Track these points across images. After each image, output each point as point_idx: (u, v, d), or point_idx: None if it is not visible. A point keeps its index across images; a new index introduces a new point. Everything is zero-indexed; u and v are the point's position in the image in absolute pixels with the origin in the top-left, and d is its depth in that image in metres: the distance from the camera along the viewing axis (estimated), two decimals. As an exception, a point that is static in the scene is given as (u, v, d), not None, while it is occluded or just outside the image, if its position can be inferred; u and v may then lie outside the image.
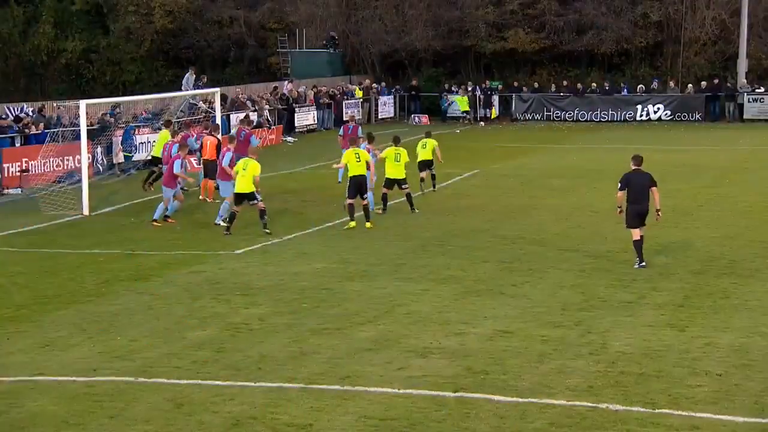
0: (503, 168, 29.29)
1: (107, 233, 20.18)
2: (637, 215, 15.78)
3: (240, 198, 19.40)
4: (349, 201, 19.83)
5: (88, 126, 23.92)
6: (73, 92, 51.81)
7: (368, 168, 19.83)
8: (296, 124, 40.97)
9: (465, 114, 46.05)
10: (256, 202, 19.32)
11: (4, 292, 14.96)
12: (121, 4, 52.96)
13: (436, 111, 47.18)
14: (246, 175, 19.28)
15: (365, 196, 19.90)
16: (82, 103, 23.01)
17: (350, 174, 19.79)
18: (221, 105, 28.91)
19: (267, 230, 19.20)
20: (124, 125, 29.84)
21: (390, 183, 21.29)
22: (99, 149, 28.61)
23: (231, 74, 52.33)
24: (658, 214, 15.83)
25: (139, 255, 17.71)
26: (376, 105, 46.68)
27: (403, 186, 21.37)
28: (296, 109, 41.23)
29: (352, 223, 19.72)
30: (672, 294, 14.20)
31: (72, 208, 22.62)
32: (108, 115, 30.39)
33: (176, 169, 20.73)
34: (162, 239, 19.29)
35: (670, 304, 13.66)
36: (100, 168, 28.69)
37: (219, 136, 23.82)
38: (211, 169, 23.11)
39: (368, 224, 19.74)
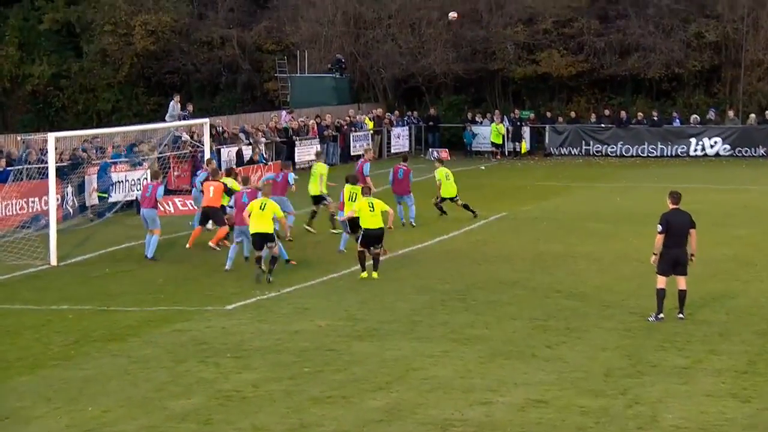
0: (535, 210, 29.47)
1: (78, 286, 20.32)
2: (672, 261, 15.87)
3: (259, 240, 19.86)
4: (359, 248, 20.11)
5: (57, 162, 24.12)
6: (41, 123, 52.39)
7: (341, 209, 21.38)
8: (296, 159, 41.06)
9: (497, 147, 45.95)
10: (273, 245, 19.88)
11: (-42, 355, 15.10)
12: (96, 23, 53.65)
13: (457, 144, 47.44)
14: (265, 214, 19.85)
15: (379, 246, 20.18)
16: (51, 136, 23.20)
17: (364, 226, 20.08)
18: (210, 138, 29.24)
19: (270, 278, 19.77)
20: (98, 161, 30.09)
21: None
22: (69, 189, 28.80)
23: (222, 102, 52.91)
24: (692, 259, 16.01)
25: (115, 311, 17.83)
26: (389, 137, 47.01)
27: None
28: (297, 143, 41.51)
29: (364, 274, 19.98)
30: (733, 358, 14.20)
31: (37, 257, 22.74)
32: (80, 149, 30.62)
33: (159, 194, 22.14)
34: (141, 293, 19.39)
35: (732, 370, 13.66)
36: (71, 211, 28.89)
37: (224, 180, 24.06)
38: (215, 217, 23.56)
39: (375, 274, 19.99)
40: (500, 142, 45.94)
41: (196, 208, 25.74)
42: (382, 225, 20.03)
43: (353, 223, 21.32)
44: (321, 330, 16.11)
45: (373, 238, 20.00)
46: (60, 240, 22.96)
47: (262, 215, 19.86)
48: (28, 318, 17.45)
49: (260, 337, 15.74)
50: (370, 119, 46.52)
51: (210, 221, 24.13)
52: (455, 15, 43.59)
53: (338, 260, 21.88)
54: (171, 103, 38.18)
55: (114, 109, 53.88)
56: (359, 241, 20.17)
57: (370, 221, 20.01)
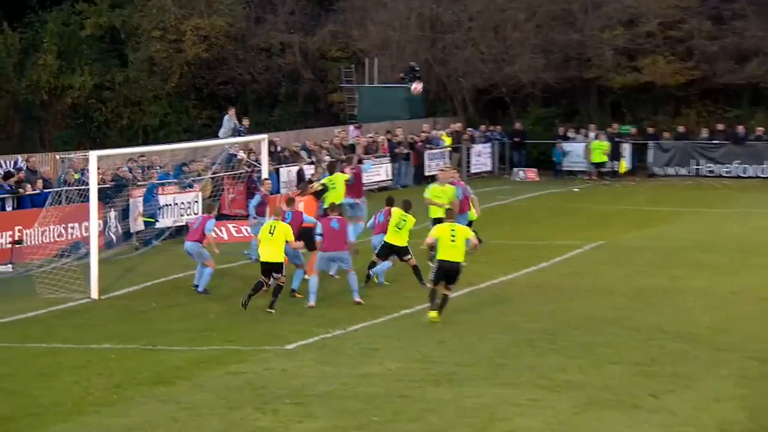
0: (636, 239, 29.26)
1: (121, 322, 20.53)
2: None
3: (267, 269, 20.55)
4: (432, 286, 19.82)
5: (99, 184, 24.42)
6: (81, 140, 53.28)
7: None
8: (364, 180, 41.28)
9: (597, 166, 44.97)
10: (280, 276, 20.60)
11: (-13, 400, 15.15)
12: (143, 29, 54.36)
13: (546, 163, 47.25)
14: (275, 240, 20.46)
15: (452, 284, 19.83)
16: (92, 155, 23.44)
17: (440, 257, 19.57)
18: (269, 156, 29.45)
19: (271, 310, 20.52)
20: (144, 183, 30.49)
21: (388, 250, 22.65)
22: (112, 214, 29.21)
23: (281, 116, 53.40)
24: None
25: (162, 351, 17.98)
26: (469, 156, 47.00)
27: (404, 257, 22.76)
28: (365, 161, 41.73)
29: (433, 314, 19.58)
30: None
31: (76, 289, 22.98)
32: (124, 169, 31.00)
33: (208, 229, 22.73)
34: (191, 330, 19.56)
35: None
36: (114, 238, 29.28)
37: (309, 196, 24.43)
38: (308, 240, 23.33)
39: (434, 315, 19.53)
40: (604, 160, 44.76)
41: (252, 235, 26.04)
42: (462, 259, 19.62)
43: (387, 249, 22.35)
44: (391, 374, 16.13)
45: (450, 273, 19.52)
46: (102, 270, 23.23)
47: (271, 241, 20.46)
48: (66, 358, 17.61)
49: (324, 381, 15.77)
50: (447, 135, 46.60)
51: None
52: (419, 88, 42.55)
53: (412, 294, 21.89)
54: (225, 117, 38.64)
55: (162, 124, 54.48)
56: (434, 275, 19.66)
57: (450, 252, 19.49)
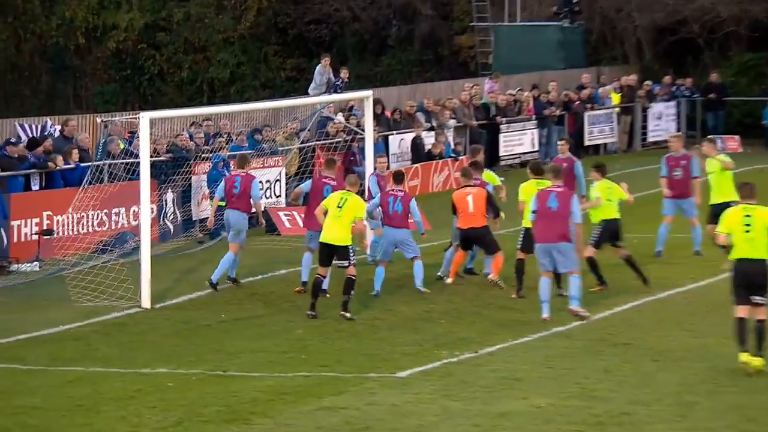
0: None
1: (180, 339, 20.66)
2: None
3: (327, 253, 21.27)
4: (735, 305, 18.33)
5: (152, 156, 24.69)
6: (128, 97, 53.82)
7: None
8: (501, 152, 41.06)
9: None
10: (347, 264, 21.22)
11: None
12: (209, -51, 54.72)
13: (754, 129, 46.53)
14: (343, 215, 21.08)
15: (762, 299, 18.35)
16: (144, 117, 23.47)
17: (735, 257, 18.49)
18: (375, 119, 29.62)
19: (348, 315, 21.37)
20: (210, 155, 30.56)
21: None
22: (170, 195, 29.41)
23: (391, 66, 53.47)
24: None
25: (234, 378, 18.06)
26: (644, 118, 46.42)
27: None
28: (503, 127, 41.46)
29: (747, 357, 17.88)
30: None
31: (122, 295, 23.11)
32: (185, 136, 31.20)
33: (255, 193, 24.22)
34: (272, 350, 19.71)
35: None
36: (171, 227, 29.53)
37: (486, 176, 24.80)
38: (483, 240, 24.02)
39: None
40: None
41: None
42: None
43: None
44: (540, 413, 15.97)
45: (754, 278, 18.15)
46: (155, 271, 23.37)
47: (338, 218, 21.31)
48: (108, 386, 17.71)
49: (448, 420, 15.69)
50: (615, 91, 46.15)
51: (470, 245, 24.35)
52: None
53: (562, 306, 21.80)
54: (317, 68, 38.68)
55: (234, 76, 54.87)
56: (734, 289, 18.37)
57: (746, 247, 18.16)
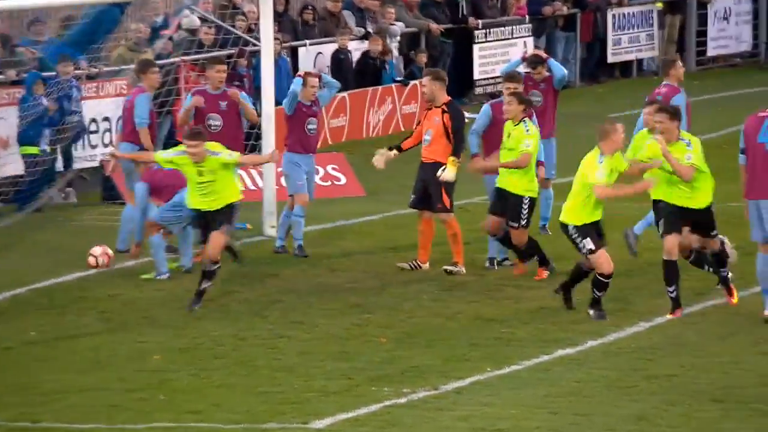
0: None
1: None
2: None
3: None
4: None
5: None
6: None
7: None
8: (477, 75, 36.59)
9: None
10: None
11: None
12: None
13: None
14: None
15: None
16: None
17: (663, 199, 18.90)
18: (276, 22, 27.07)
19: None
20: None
21: None
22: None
23: None
24: None
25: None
26: (702, 20, 40.92)
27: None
28: (478, 34, 36.51)
29: None
30: None
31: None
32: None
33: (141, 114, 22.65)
34: (111, 388, 16.52)
35: None
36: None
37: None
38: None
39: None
40: None
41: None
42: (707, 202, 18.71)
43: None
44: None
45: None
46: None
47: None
48: None
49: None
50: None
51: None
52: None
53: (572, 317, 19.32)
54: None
55: None
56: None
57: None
